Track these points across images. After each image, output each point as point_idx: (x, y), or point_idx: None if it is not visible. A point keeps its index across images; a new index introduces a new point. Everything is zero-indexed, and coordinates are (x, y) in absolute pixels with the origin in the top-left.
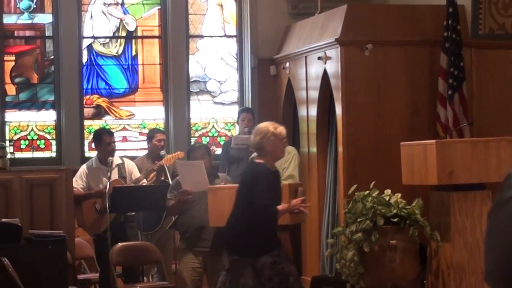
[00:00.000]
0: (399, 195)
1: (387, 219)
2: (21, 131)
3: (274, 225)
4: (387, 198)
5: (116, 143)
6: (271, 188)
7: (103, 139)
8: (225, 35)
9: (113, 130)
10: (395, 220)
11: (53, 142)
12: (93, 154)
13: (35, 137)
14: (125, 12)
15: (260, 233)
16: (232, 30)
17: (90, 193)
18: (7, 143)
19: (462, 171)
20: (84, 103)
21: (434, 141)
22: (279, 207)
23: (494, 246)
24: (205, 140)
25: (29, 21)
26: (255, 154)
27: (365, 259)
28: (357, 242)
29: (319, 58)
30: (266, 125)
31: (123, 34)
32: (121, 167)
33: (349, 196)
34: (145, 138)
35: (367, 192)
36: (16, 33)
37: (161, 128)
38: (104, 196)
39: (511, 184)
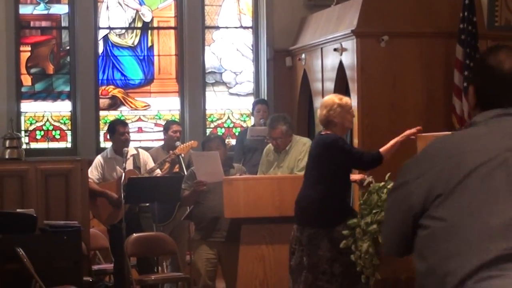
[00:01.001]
0: None
1: None
2: (36, 121)
3: (347, 194)
4: None
5: (130, 134)
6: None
7: (117, 129)
8: (241, 26)
9: (128, 121)
10: None
11: (69, 133)
12: (108, 144)
13: (51, 128)
14: (141, 3)
15: (333, 202)
16: (248, 21)
17: (104, 193)
18: (23, 133)
19: None
20: (100, 93)
21: (450, 133)
22: (384, 148)
23: (387, 222)
24: (220, 131)
25: (45, 12)
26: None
27: (380, 251)
28: (372, 234)
29: (335, 49)
30: (331, 97)
31: (139, 25)
32: (136, 157)
33: (364, 187)
34: (160, 129)
35: (382, 183)
36: (32, 24)
37: (176, 119)
38: (117, 200)
39: (403, 174)
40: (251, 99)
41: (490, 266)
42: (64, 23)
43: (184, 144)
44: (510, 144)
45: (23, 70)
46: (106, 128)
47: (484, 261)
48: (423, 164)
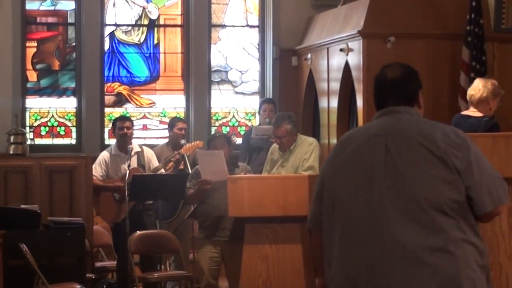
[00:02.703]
0: None
1: None
2: (41, 117)
3: None
4: None
5: (135, 131)
6: None
7: (116, 124)
8: (248, 25)
9: (133, 118)
10: None
11: (73, 129)
12: (113, 141)
13: (56, 124)
14: (148, 0)
15: None
16: (255, 20)
17: (108, 186)
18: (27, 129)
19: None
20: (105, 90)
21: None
22: None
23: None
24: (225, 130)
25: (52, 8)
26: None
27: None
28: None
29: (341, 49)
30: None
31: (146, 22)
32: (140, 155)
33: None
34: (165, 126)
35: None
36: (38, 19)
37: (180, 117)
38: (121, 190)
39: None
40: (257, 98)
41: None
42: (71, 19)
43: (190, 144)
44: (378, 132)
45: (28, 66)
46: (111, 125)
47: None
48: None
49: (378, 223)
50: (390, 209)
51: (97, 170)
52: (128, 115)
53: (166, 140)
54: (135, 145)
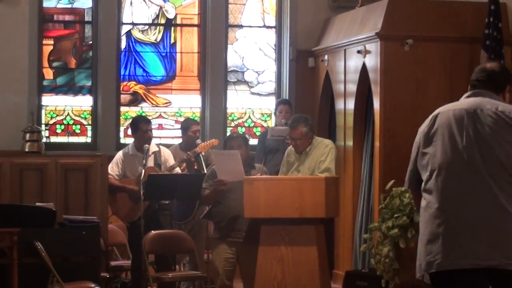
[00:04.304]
0: None
1: None
2: (57, 115)
3: None
4: None
5: (153, 131)
6: None
7: (140, 126)
8: (265, 26)
9: (149, 118)
10: None
11: (89, 128)
12: (128, 140)
13: (71, 122)
14: None
15: None
16: (272, 21)
17: (124, 187)
18: (43, 127)
19: None
20: (121, 89)
21: None
22: None
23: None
24: (240, 130)
25: (69, 6)
26: None
27: (401, 255)
28: (393, 238)
29: (359, 51)
30: None
31: (162, 21)
32: (157, 155)
33: (386, 191)
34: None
35: (405, 188)
36: (55, 17)
37: (196, 117)
38: (137, 193)
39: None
40: (273, 99)
41: None
42: (88, 18)
43: (205, 142)
44: (467, 107)
45: (45, 63)
46: (127, 123)
47: None
48: None
49: (469, 181)
50: (479, 169)
51: (114, 169)
52: (144, 114)
53: (180, 141)
54: (153, 145)
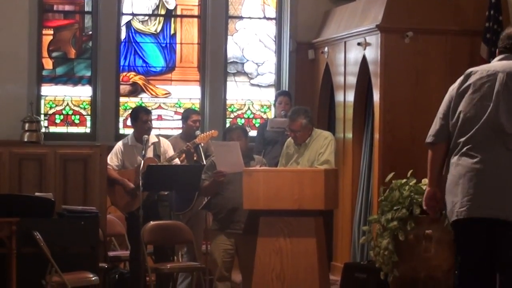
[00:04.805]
0: None
1: (424, 209)
2: (56, 105)
3: None
4: (424, 187)
5: (152, 122)
6: None
7: (140, 117)
8: (265, 17)
9: (148, 108)
10: None
11: (88, 118)
12: (128, 131)
13: (70, 112)
14: None
15: None
16: (272, 13)
17: (121, 181)
18: (42, 117)
19: None
20: (121, 80)
21: None
22: None
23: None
24: (240, 122)
25: None
26: None
27: (400, 248)
28: (392, 231)
29: (359, 44)
30: None
31: (163, 12)
32: (156, 145)
33: (386, 184)
34: (180, 117)
35: (405, 180)
36: (55, 7)
37: (196, 108)
38: (134, 192)
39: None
40: (272, 91)
41: None
42: (88, 8)
43: (204, 134)
44: (497, 68)
45: (44, 53)
46: (126, 114)
47: None
48: None
49: (496, 134)
50: (505, 124)
51: (113, 160)
52: (143, 105)
53: (180, 131)
54: (152, 135)
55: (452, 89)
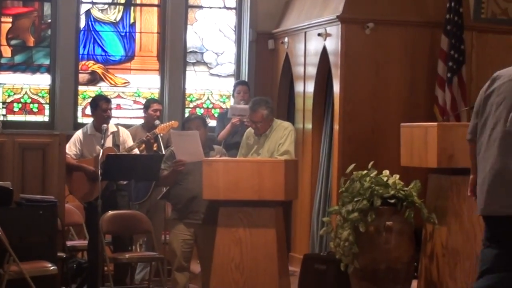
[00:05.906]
0: (397, 176)
1: (384, 200)
2: (14, 93)
3: None
4: (385, 179)
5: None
6: None
7: (100, 105)
8: (225, 7)
9: (108, 97)
10: (392, 201)
11: (46, 106)
12: (86, 120)
13: (29, 101)
14: None
15: None
16: (232, 2)
17: (82, 167)
18: (0, 105)
19: (462, 155)
20: (80, 68)
21: (435, 123)
22: None
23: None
24: (199, 112)
25: None
26: None
27: (360, 239)
28: (353, 222)
29: (319, 34)
30: None
31: (122, 1)
32: (115, 135)
33: (347, 175)
34: (139, 106)
35: (365, 171)
36: None
37: (156, 98)
38: (94, 174)
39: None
40: (232, 81)
41: None
42: None
43: (164, 124)
44: None
45: (3, 41)
46: (85, 103)
47: None
48: None
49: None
50: None
51: (72, 148)
52: (102, 94)
53: (140, 120)
54: (111, 125)
55: (482, 91)
